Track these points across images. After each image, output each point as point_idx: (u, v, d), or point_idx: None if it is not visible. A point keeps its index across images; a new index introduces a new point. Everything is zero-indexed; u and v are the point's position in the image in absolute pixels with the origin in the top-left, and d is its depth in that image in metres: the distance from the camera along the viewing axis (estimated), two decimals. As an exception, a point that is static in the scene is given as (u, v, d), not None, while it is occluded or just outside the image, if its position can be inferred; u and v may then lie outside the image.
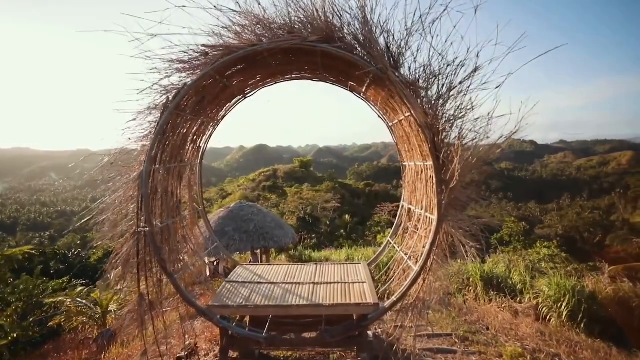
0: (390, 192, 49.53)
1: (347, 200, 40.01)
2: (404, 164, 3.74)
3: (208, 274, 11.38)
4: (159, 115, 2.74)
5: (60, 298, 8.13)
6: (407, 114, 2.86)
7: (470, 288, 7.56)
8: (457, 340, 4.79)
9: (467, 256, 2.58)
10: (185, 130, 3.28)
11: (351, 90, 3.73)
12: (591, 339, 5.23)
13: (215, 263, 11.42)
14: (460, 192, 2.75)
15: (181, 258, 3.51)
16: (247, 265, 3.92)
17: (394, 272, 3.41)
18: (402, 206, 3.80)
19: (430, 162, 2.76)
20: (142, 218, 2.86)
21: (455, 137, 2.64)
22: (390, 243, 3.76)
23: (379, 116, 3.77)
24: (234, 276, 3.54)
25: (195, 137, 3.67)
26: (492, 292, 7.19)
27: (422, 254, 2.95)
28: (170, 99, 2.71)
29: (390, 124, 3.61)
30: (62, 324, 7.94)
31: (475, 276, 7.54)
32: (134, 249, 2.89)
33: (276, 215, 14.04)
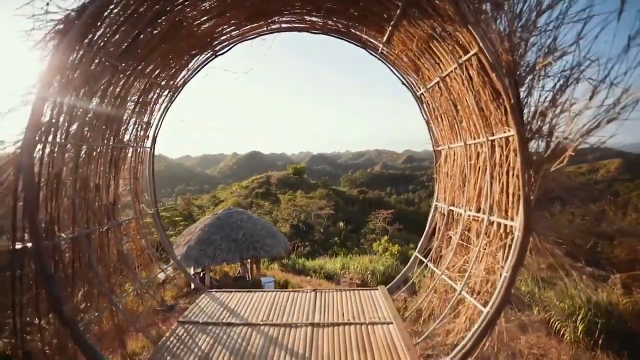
0: (384, 199, 48.59)
1: (341, 207, 39.01)
2: (440, 148, 2.67)
3: (193, 286, 10.15)
4: (52, 49, 1.61)
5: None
6: (464, 58, 1.79)
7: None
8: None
9: (577, 289, 1.51)
10: (118, 90, 2.15)
11: (364, 46, 2.67)
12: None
13: (202, 274, 10.13)
14: (554, 183, 1.69)
15: (119, 284, 2.35)
16: (216, 292, 2.74)
17: (433, 303, 2.30)
18: (436, 208, 2.72)
19: (504, 134, 1.69)
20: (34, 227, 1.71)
21: (552, 88, 1.58)
22: (422, 260, 2.65)
23: (403, 82, 2.70)
24: (193, 312, 2.36)
25: (141, 107, 2.53)
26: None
27: (484, 281, 1.86)
28: (73, 15, 1.59)
29: (422, 90, 2.54)
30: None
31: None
32: (12, 279, 1.72)
33: (268, 223, 12.84)
